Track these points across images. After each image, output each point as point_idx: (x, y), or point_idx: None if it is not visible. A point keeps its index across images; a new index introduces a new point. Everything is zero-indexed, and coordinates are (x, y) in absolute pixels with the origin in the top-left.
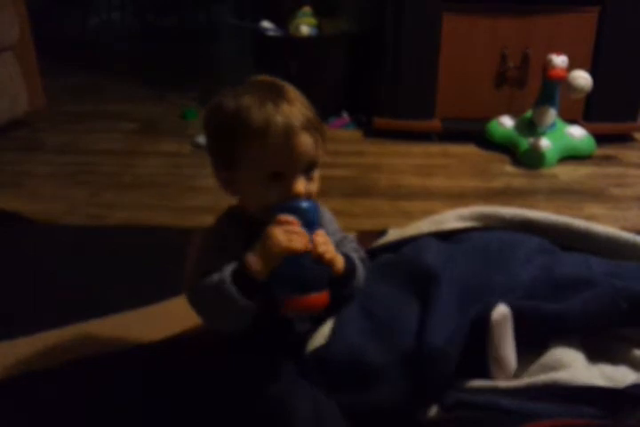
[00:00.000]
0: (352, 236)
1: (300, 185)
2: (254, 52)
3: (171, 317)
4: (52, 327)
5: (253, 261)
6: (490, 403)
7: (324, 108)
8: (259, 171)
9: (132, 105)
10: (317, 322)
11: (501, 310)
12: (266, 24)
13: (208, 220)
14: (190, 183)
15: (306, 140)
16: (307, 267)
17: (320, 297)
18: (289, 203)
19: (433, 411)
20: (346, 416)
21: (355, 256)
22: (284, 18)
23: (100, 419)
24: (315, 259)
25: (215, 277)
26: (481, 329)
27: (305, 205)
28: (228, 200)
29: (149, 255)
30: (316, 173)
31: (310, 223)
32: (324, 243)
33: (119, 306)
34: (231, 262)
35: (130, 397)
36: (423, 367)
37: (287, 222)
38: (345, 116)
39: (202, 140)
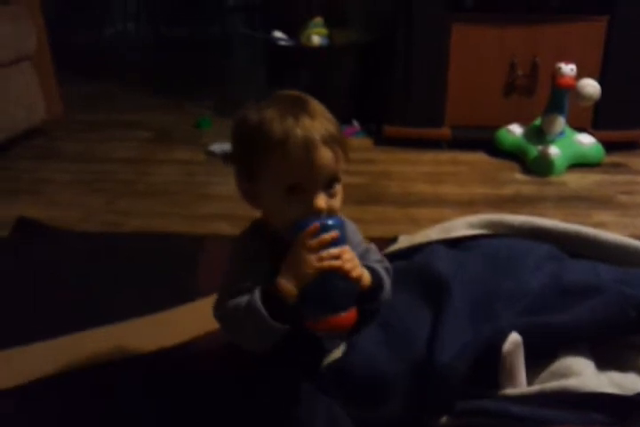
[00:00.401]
0: (374, 246)
1: (321, 200)
2: (266, 62)
3: (183, 323)
4: (66, 333)
5: (283, 282)
6: (501, 410)
7: (335, 117)
8: (278, 183)
9: (147, 114)
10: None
11: (512, 340)
12: (278, 34)
13: (221, 227)
14: (203, 191)
15: (325, 154)
16: (335, 286)
17: (348, 316)
18: (314, 220)
19: (443, 418)
20: None
21: (380, 268)
22: (295, 28)
23: None
24: (342, 276)
25: (244, 298)
26: (493, 354)
27: (331, 222)
28: (241, 208)
29: (163, 262)
30: (338, 188)
31: (337, 240)
32: (350, 260)
33: (133, 312)
34: (257, 280)
35: (139, 405)
36: (433, 382)
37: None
38: (355, 124)
39: (216, 148)
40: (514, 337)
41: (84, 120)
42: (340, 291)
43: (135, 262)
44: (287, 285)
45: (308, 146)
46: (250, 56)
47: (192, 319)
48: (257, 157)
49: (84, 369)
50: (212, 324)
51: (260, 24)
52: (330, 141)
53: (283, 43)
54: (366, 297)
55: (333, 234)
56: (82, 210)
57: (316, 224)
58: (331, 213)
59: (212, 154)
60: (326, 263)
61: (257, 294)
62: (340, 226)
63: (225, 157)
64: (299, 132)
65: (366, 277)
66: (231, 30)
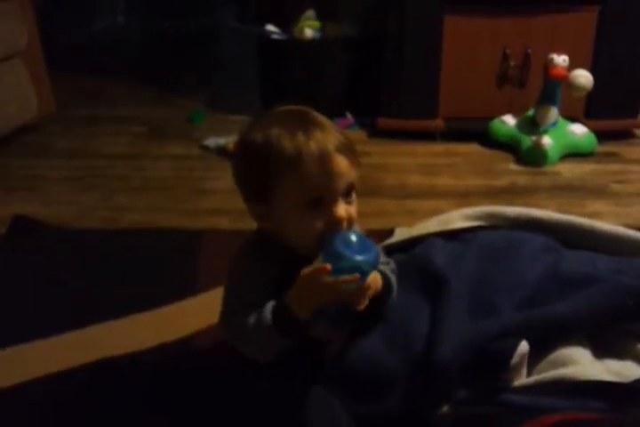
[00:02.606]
0: (379, 247)
1: (341, 209)
2: (259, 56)
3: (184, 318)
4: (67, 330)
5: (296, 306)
6: (501, 398)
7: (328, 110)
8: (297, 200)
9: (140, 108)
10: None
11: (521, 352)
12: (270, 27)
13: (220, 221)
14: (199, 185)
15: (342, 162)
16: (338, 318)
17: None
18: (350, 255)
19: (445, 408)
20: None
21: (389, 273)
22: (287, 21)
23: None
24: (349, 308)
25: (254, 313)
26: (498, 357)
27: (367, 268)
28: (239, 202)
29: (162, 258)
30: (354, 196)
31: (363, 274)
32: (364, 295)
33: (133, 308)
34: (265, 291)
35: (142, 401)
36: (433, 374)
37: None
38: (349, 116)
39: (210, 142)
40: (523, 348)
41: (76, 116)
42: (340, 322)
43: (134, 258)
44: (300, 307)
45: (323, 157)
46: (243, 49)
47: (192, 314)
48: (270, 177)
49: (85, 366)
50: (212, 319)
51: (251, 17)
52: (343, 149)
53: (275, 36)
54: (375, 300)
55: (356, 277)
56: (77, 206)
57: (357, 275)
58: (350, 220)
59: (206, 148)
60: (343, 295)
61: (267, 312)
62: (374, 265)
63: (220, 152)
64: (312, 145)
65: (378, 282)
66: (222, 23)
